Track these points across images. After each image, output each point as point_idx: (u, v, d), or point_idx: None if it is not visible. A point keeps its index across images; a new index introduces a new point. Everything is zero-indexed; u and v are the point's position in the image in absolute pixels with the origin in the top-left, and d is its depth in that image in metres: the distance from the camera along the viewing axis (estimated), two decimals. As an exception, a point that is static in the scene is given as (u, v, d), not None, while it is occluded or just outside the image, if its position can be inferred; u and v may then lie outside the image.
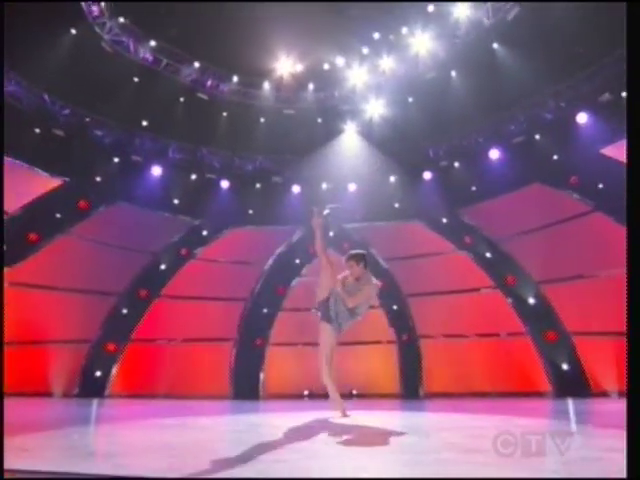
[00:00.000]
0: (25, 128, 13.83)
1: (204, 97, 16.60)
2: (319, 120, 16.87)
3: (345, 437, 3.54)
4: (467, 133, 15.52)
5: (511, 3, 13.22)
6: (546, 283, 13.84)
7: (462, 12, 13.70)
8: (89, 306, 13.86)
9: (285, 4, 13.25)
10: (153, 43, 15.27)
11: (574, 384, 12.44)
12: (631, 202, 2.43)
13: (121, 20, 14.70)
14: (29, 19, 11.60)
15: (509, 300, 14.41)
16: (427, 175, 16.04)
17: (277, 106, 16.65)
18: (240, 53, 14.57)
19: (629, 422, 2.06)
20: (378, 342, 14.33)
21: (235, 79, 16.53)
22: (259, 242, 16.84)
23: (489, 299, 14.66)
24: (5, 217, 12.01)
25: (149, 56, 15.40)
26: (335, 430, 4.03)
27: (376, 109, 16.43)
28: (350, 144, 16.67)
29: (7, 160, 11.67)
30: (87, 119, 15.10)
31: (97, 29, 14.50)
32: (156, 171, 16.07)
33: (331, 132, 16.65)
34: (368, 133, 16.34)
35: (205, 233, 16.88)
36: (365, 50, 15.32)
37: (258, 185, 17.41)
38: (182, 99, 16.30)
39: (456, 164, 15.79)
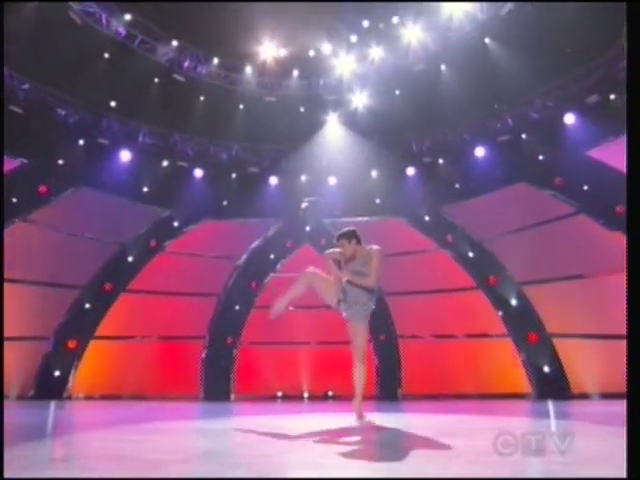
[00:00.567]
0: (-24, 103, 12.56)
1: (180, 79, 15.55)
2: (302, 109, 16.16)
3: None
4: (453, 129, 15.26)
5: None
6: (528, 284, 13.82)
7: (457, 5, 13.36)
8: (48, 300, 12.97)
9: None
10: (128, 17, 14.08)
11: (555, 386, 12.51)
12: (631, 202, 2.43)
13: (93, -12, 13.56)
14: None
15: (490, 300, 14.35)
16: (410, 171, 15.69)
17: (258, 92, 15.83)
18: (221, 34, 13.70)
19: (629, 422, 2.08)
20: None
21: (215, 61, 15.54)
22: (233, 235, 16.14)
23: (470, 299, 14.55)
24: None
25: (122, 30, 14.19)
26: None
27: (361, 100, 15.91)
28: (332, 135, 16.09)
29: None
30: (49, 97, 13.87)
31: (65, -4, 13.33)
32: (125, 156, 14.99)
33: (313, 122, 15.97)
34: (352, 125, 15.80)
35: (176, 224, 16.01)
36: (353, 38, 14.76)
37: (234, 175, 16.56)
38: (156, 80, 15.20)
39: (440, 160, 15.51)
